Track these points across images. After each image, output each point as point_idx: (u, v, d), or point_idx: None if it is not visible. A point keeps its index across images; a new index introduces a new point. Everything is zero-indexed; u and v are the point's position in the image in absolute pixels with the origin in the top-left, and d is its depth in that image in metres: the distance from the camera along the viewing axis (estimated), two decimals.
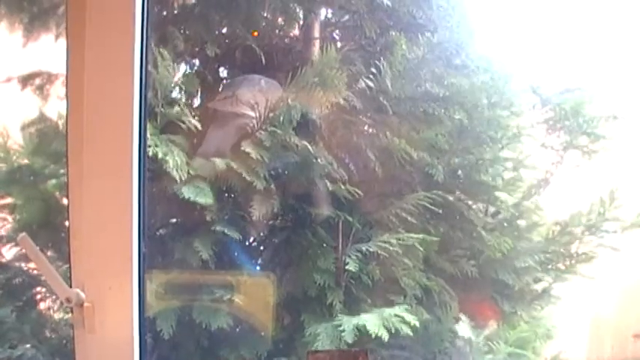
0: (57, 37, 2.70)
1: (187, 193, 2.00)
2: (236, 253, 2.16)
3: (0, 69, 2.73)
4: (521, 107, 2.56)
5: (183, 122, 2.08)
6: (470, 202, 2.40)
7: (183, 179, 2.03)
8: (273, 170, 2.18)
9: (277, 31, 2.79)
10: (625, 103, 2.59)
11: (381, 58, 2.38)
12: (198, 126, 2.11)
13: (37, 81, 2.86)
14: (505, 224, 2.52)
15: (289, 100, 2.17)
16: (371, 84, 2.33)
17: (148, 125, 1.98)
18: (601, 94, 2.60)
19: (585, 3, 2.70)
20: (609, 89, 2.60)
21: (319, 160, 2.16)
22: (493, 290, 2.46)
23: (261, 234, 2.20)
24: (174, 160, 1.98)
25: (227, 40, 2.59)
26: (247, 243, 2.17)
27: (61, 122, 2.64)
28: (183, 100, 2.07)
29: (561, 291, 2.65)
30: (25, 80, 2.84)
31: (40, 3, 2.76)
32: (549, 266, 2.54)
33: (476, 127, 2.33)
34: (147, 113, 1.64)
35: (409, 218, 2.19)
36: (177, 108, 2.06)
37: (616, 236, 2.62)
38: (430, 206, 2.23)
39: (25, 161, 2.70)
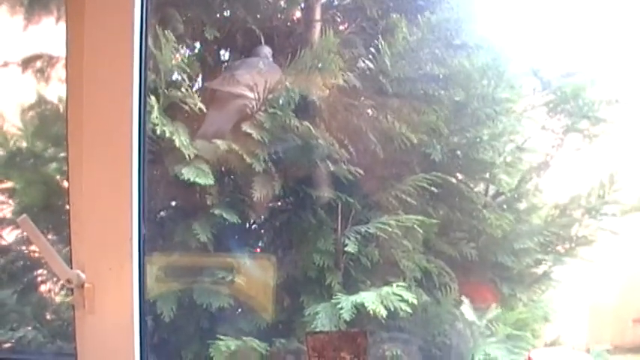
0: (58, 19, 2.69)
1: (188, 174, 2.00)
2: (236, 236, 2.16)
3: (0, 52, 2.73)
4: (522, 90, 2.55)
5: (186, 104, 2.07)
6: (469, 183, 2.39)
7: (191, 157, 2.02)
8: (274, 152, 2.17)
9: (278, 14, 2.77)
10: (626, 87, 2.58)
11: (382, 40, 2.36)
12: (203, 107, 2.09)
13: (38, 64, 2.86)
14: (505, 206, 2.52)
15: (287, 83, 2.16)
16: (371, 65, 2.33)
17: (155, 106, 1.98)
18: (602, 78, 2.59)
19: None
20: (611, 73, 2.59)
21: (320, 142, 2.15)
22: (492, 273, 2.46)
23: (262, 216, 2.19)
24: (181, 140, 1.98)
25: (228, 23, 2.59)
26: (247, 225, 2.16)
27: (61, 105, 2.65)
28: (187, 82, 2.06)
29: (561, 274, 2.66)
30: (26, 63, 2.85)
31: None
32: (549, 249, 2.54)
33: (475, 107, 2.31)
34: (146, 96, 1.65)
35: (408, 200, 2.19)
36: (180, 90, 2.05)
37: (616, 220, 2.62)
38: (429, 187, 2.23)
39: (25, 144, 2.70)
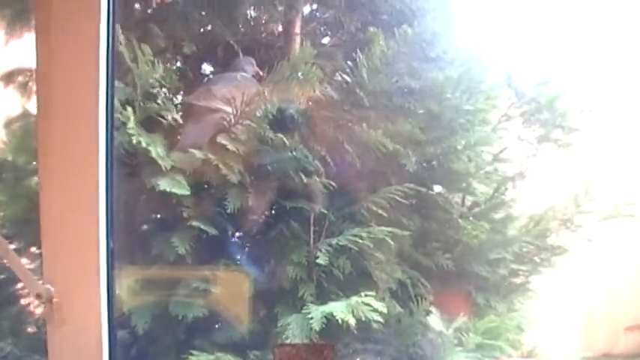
0: None
1: (164, 185, 2.02)
2: (213, 248, 2.18)
3: None
4: (497, 100, 2.58)
5: (163, 117, 2.09)
6: (445, 193, 2.41)
7: (167, 169, 2.04)
8: (249, 164, 2.20)
9: (260, 28, 2.80)
10: (599, 96, 2.62)
11: (359, 54, 2.39)
12: (179, 119, 2.11)
13: (20, 78, 2.88)
14: (480, 216, 2.55)
15: (265, 94, 2.19)
16: (348, 78, 2.35)
17: (131, 117, 2.00)
18: (575, 88, 2.62)
19: None
20: (584, 82, 2.63)
21: (294, 154, 2.17)
22: (468, 283, 2.48)
23: (238, 228, 2.21)
24: (157, 151, 2.01)
25: (207, 38, 2.62)
26: (224, 237, 2.18)
27: None
28: (162, 95, 2.09)
29: (541, 284, 2.68)
30: (7, 78, 2.87)
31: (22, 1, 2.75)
32: (525, 259, 2.56)
33: (449, 118, 2.34)
34: (113, 112, 1.66)
35: (380, 212, 2.21)
36: (157, 103, 2.08)
37: (592, 229, 2.64)
38: (401, 199, 2.25)
39: (9, 158, 2.71)
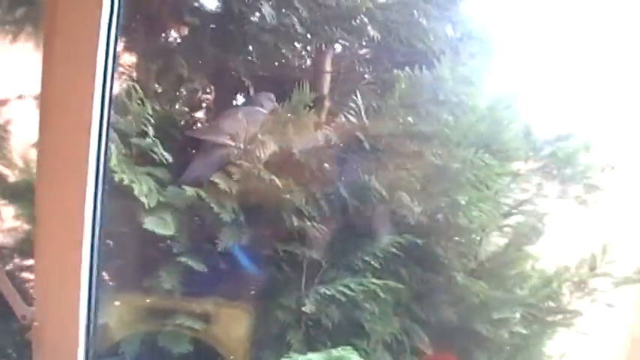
0: None
1: (149, 223, 2.01)
2: (202, 285, 2.16)
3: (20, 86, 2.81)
4: (513, 153, 2.48)
5: (155, 153, 2.09)
6: (446, 247, 2.33)
7: (151, 206, 2.03)
8: (243, 203, 2.17)
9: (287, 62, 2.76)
10: (621, 152, 2.49)
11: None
12: (168, 157, 2.11)
13: None
14: (487, 274, 2.45)
15: (259, 135, 2.16)
16: (353, 119, 2.31)
17: (120, 155, 2.01)
18: (597, 142, 2.50)
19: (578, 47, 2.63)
20: (606, 137, 2.51)
21: (288, 196, 2.13)
22: (469, 341, 2.38)
23: (228, 267, 2.18)
24: (140, 188, 2.00)
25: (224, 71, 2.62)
26: (213, 274, 2.16)
27: None
28: (152, 132, 2.09)
29: (553, 347, 2.55)
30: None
31: None
32: (532, 321, 2.44)
33: (455, 170, 2.26)
34: (107, 146, 1.65)
35: (373, 263, 2.14)
36: (146, 139, 2.08)
37: (609, 292, 2.50)
38: (399, 250, 2.18)
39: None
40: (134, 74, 2.60)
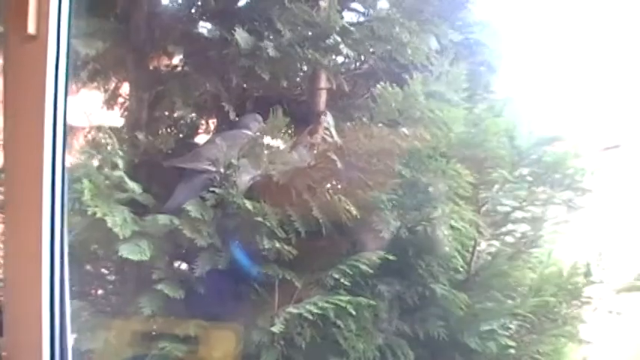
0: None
1: (124, 251, 2.09)
2: (181, 310, 2.23)
3: None
4: (500, 161, 2.43)
5: (127, 183, 2.17)
6: (426, 261, 2.30)
7: (126, 237, 2.11)
8: (217, 228, 2.23)
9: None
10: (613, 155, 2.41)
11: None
12: (137, 189, 2.18)
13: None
14: (479, 283, 2.41)
15: (232, 160, 2.21)
16: (329, 139, 2.33)
17: (86, 188, 2.10)
18: (584, 146, 2.42)
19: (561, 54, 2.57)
20: (595, 141, 2.43)
21: (260, 219, 2.17)
22: (458, 355, 2.35)
23: (205, 290, 2.24)
24: (114, 220, 2.08)
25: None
26: (192, 299, 2.22)
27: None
28: (121, 166, 2.17)
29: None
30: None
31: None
32: (524, 331, 2.38)
33: (426, 183, 2.24)
34: (63, 182, 1.73)
35: (343, 280, 2.15)
36: (117, 172, 2.16)
37: (606, 299, 2.41)
38: (372, 267, 2.18)
39: None
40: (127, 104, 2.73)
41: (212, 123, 2.81)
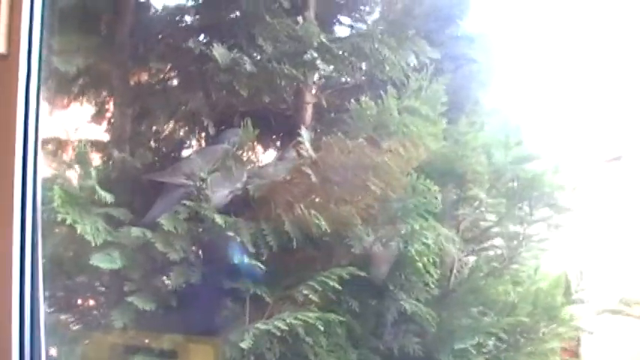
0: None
1: (95, 260, 2.11)
2: (153, 323, 2.23)
3: None
4: (479, 177, 2.42)
5: (98, 192, 2.19)
6: (396, 276, 2.29)
7: (97, 244, 2.13)
8: (189, 242, 2.23)
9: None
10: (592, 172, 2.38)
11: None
12: (109, 199, 2.20)
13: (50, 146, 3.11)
14: (454, 300, 2.39)
15: (201, 174, 2.22)
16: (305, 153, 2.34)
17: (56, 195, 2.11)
18: (563, 164, 2.40)
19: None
20: (571, 158, 2.40)
21: (231, 234, 2.18)
22: None
23: (177, 304, 2.24)
24: (84, 229, 2.10)
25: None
26: (162, 312, 2.22)
27: None
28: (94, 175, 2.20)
29: None
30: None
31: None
32: (501, 350, 2.36)
33: (398, 198, 2.23)
34: (34, 195, 1.75)
35: (312, 296, 2.14)
36: (90, 181, 2.18)
37: (586, 319, 2.38)
38: (343, 284, 2.17)
39: None
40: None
41: (198, 138, 2.81)
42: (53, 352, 2.21)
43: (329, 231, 2.18)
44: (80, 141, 2.38)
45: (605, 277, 2.44)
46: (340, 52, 2.56)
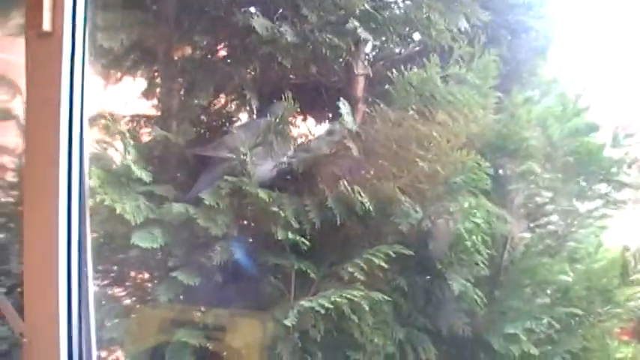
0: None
1: (136, 238, 2.10)
2: (196, 298, 2.22)
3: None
4: (533, 151, 2.31)
5: (134, 172, 2.18)
6: (446, 256, 2.21)
7: (137, 223, 2.12)
8: (233, 217, 2.21)
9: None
10: None
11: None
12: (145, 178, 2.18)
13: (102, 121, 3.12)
14: (506, 281, 2.30)
15: (242, 149, 2.18)
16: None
17: (99, 173, 2.11)
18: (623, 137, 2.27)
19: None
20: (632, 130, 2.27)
21: (275, 209, 2.14)
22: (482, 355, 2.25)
23: (221, 280, 2.23)
24: (123, 207, 2.09)
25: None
26: (206, 288, 2.21)
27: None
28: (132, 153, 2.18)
29: None
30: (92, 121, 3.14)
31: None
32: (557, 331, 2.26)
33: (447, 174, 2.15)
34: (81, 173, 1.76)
35: (357, 274, 2.09)
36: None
37: None
38: (389, 262, 2.11)
39: None
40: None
41: (248, 112, 2.77)
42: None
43: (372, 208, 2.11)
44: (122, 117, 2.35)
45: None
46: (385, 20, 2.45)
